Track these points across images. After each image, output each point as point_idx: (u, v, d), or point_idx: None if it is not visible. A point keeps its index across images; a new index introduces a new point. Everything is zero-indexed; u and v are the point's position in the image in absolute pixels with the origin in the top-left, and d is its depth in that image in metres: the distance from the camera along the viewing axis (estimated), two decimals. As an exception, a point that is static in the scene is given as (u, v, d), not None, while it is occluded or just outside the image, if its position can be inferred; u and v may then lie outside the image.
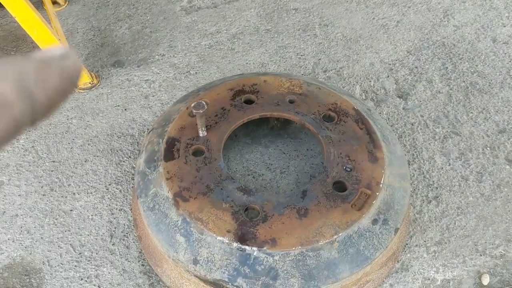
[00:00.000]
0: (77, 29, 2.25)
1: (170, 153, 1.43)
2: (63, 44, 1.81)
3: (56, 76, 0.31)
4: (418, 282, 1.43)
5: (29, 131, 1.80)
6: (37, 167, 1.70)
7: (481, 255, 1.49)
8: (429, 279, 1.43)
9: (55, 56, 0.32)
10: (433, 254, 1.48)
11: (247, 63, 2.08)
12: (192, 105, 1.37)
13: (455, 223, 1.55)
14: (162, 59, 2.10)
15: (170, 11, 2.32)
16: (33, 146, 1.75)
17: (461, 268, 1.46)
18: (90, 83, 1.94)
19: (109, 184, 1.65)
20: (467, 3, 2.35)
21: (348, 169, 1.37)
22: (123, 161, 1.71)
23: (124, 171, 1.69)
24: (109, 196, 1.61)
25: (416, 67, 2.06)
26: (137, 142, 1.77)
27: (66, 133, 1.80)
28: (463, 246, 1.50)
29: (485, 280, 1.43)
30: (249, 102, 1.60)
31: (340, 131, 1.48)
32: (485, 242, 1.51)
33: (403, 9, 2.32)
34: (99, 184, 1.65)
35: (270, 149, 1.74)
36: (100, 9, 2.34)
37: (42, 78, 0.30)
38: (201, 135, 1.47)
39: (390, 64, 2.07)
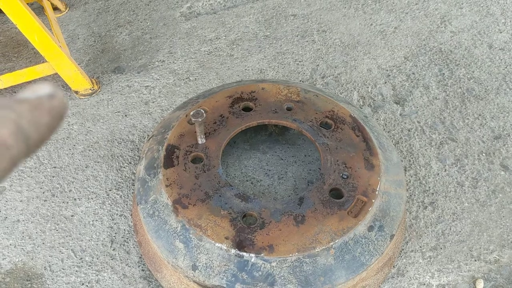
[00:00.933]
0: (77, 35, 2.28)
1: (169, 160, 1.45)
2: (64, 49, 1.83)
3: (47, 115, 0.34)
4: (414, 287, 1.45)
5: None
6: (38, 173, 1.72)
7: (475, 260, 1.51)
8: (424, 284, 1.46)
9: (44, 97, 0.35)
10: (428, 259, 1.51)
11: (245, 69, 2.11)
12: (191, 113, 1.39)
13: (450, 229, 1.58)
14: (162, 65, 2.12)
15: (170, 17, 2.35)
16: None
17: (456, 273, 1.48)
18: (90, 89, 1.96)
19: (110, 190, 1.67)
20: (464, 9, 2.38)
21: (345, 176, 1.40)
22: (124, 167, 1.74)
23: (125, 177, 1.71)
24: (109, 201, 1.64)
25: (413, 73, 2.08)
26: (138, 148, 1.80)
27: (67, 139, 1.82)
28: (458, 252, 1.53)
29: (480, 285, 1.45)
30: (247, 109, 1.63)
31: (337, 138, 1.51)
32: (480, 248, 1.54)
33: (401, 15, 2.35)
34: (100, 190, 1.67)
35: (268, 155, 1.76)
36: (100, 15, 2.37)
37: (35, 119, 0.33)
38: (200, 142, 1.49)
39: (387, 70, 2.10)
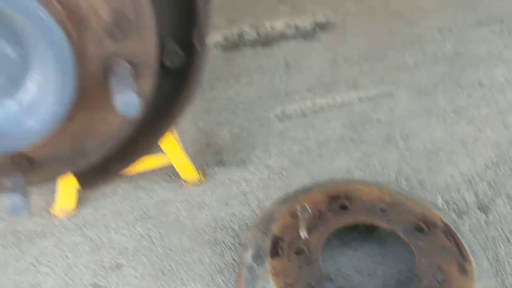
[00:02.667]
0: (185, 130, 2.59)
1: (275, 251, 1.62)
2: (178, 143, 2.10)
3: None
4: None
5: (145, 219, 2.07)
6: (151, 252, 1.94)
7: None
8: None
9: None
10: None
11: (334, 168, 2.30)
12: (299, 209, 1.59)
13: None
14: (258, 160, 2.37)
15: (265, 119, 2.63)
16: (148, 233, 2.01)
17: None
18: (198, 180, 2.22)
19: (213, 274, 1.85)
20: (543, 121, 2.50)
21: (440, 280, 1.50)
22: (225, 252, 1.92)
23: (226, 262, 1.89)
24: (213, 285, 1.81)
25: (495, 182, 2.19)
26: (238, 235, 1.99)
27: (176, 223, 2.05)
28: None
29: None
30: (343, 207, 1.80)
31: (430, 241, 1.63)
32: None
33: (480, 126, 2.50)
34: (205, 273, 1.85)
35: (358, 252, 1.89)
36: (204, 114, 2.69)
37: None
38: (302, 236, 1.66)
39: (469, 177, 2.22)
